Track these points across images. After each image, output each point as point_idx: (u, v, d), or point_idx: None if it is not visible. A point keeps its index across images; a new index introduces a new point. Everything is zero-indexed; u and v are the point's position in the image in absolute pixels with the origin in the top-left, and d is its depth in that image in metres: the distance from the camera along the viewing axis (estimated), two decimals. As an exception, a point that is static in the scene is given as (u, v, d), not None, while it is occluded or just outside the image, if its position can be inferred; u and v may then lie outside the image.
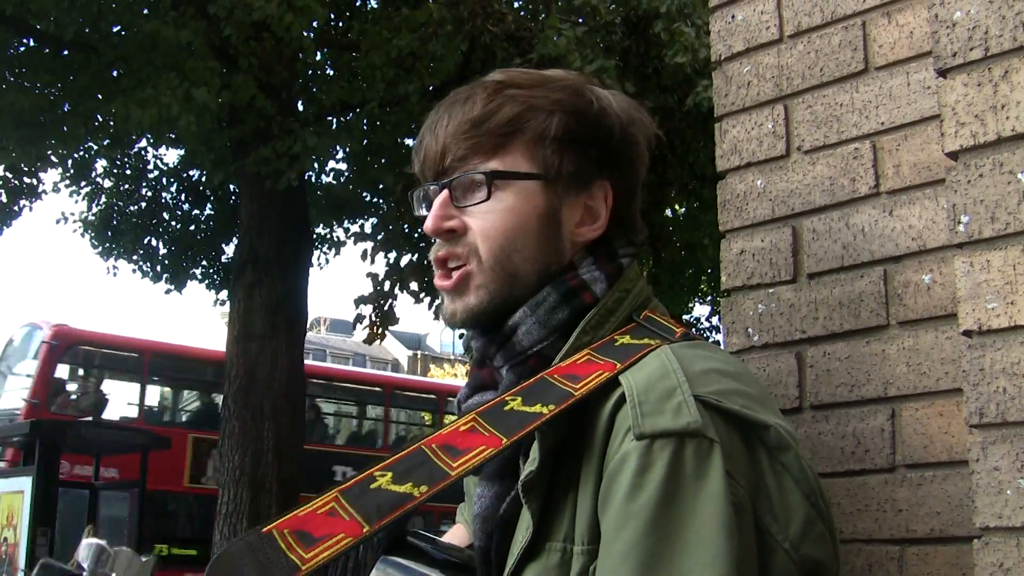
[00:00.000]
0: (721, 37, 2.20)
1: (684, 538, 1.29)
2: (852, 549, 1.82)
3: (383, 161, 14.84)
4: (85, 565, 1.03)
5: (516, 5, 14.28)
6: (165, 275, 17.73)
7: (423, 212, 1.68)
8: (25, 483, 11.04)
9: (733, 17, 2.18)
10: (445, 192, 1.64)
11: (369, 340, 15.63)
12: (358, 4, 14.70)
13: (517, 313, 1.60)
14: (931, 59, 1.75)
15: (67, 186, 16.89)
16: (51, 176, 16.37)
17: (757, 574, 1.34)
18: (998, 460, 1.39)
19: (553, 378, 1.49)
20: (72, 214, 17.73)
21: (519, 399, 1.47)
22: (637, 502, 1.32)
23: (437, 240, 1.66)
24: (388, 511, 1.34)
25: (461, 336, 16.09)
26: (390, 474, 1.39)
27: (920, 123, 1.86)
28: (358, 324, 15.28)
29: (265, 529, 1.33)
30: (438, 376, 57.08)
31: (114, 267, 17.89)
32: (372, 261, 15.16)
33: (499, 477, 1.54)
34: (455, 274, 1.62)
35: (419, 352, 77.36)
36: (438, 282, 1.66)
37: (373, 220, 16.13)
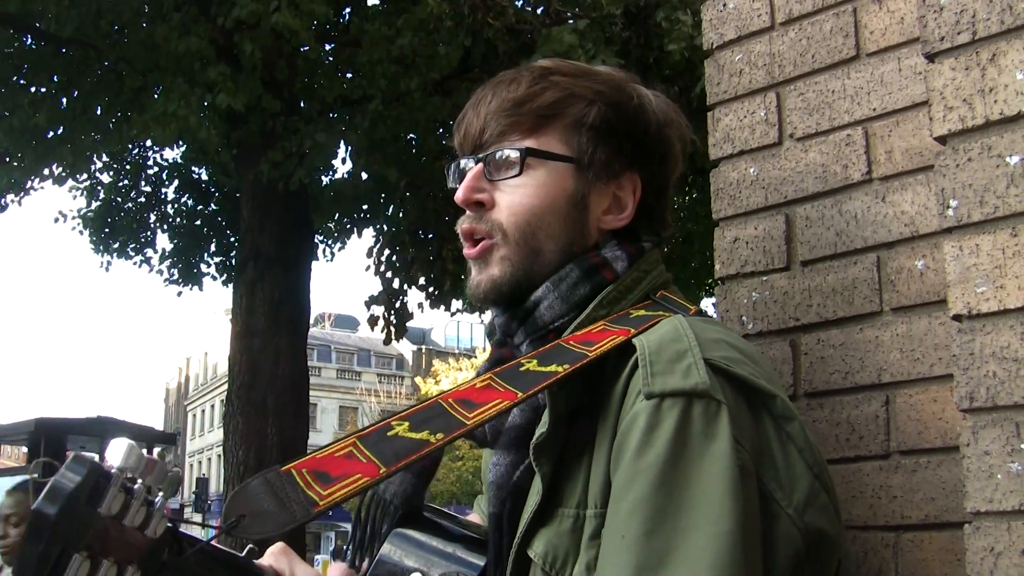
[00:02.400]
0: (713, 25, 2.20)
1: (690, 494, 1.31)
2: (847, 536, 1.82)
3: (386, 157, 14.85)
4: (115, 464, 1.02)
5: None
6: (175, 272, 17.70)
7: (455, 185, 1.72)
8: (30, 481, 11.07)
9: (725, 5, 2.18)
10: (479, 166, 1.68)
11: (387, 341, 15.66)
12: (359, 1, 14.69)
13: (540, 288, 1.63)
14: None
15: (63, 179, 16.86)
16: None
17: (761, 538, 1.35)
18: (988, 444, 1.39)
19: (568, 344, 1.52)
20: (71, 210, 17.73)
21: (535, 361, 1.50)
22: (645, 459, 1.34)
23: (465, 212, 1.70)
24: (405, 455, 1.37)
25: (482, 320, 16.08)
26: (407, 423, 1.42)
27: (911, 109, 1.86)
28: (374, 326, 15.30)
29: (283, 468, 1.35)
30: (443, 371, 57.08)
31: (107, 262, 17.75)
32: (379, 262, 15.16)
33: (515, 446, 1.57)
34: (479, 245, 1.67)
35: (424, 347, 77.46)
36: (465, 251, 1.70)
37: (375, 223, 16.09)
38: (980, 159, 1.44)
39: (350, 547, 1.77)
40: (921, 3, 1.52)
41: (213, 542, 1.39)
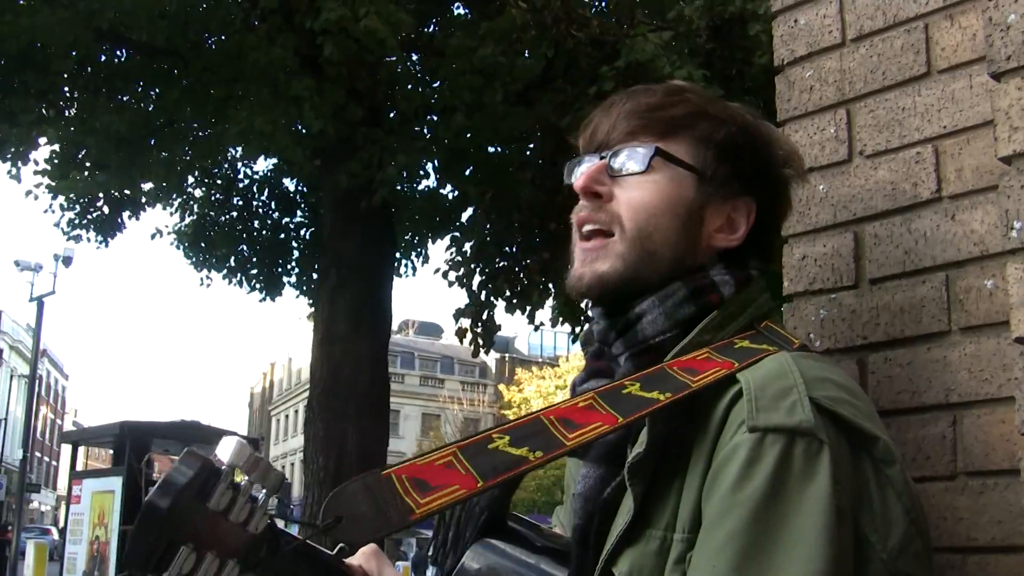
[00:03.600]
0: (784, 42, 2.19)
1: (785, 533, 1.31)
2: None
3: (469, 170, 14.91)
4: (224, 460, 1.04)
5: (599, 8, 14.23)
6: (257, 284, 17.91)
7: (571, 180, 1.74)
8: (116, 483, 11.29)
9: (796, 21, 2.17)
10: (603, 160, 1.69)
11: (475, 353, 15.73)
12: (444, 12, 14.78)
13: (644, 302, 1.63)
14: (992, 62, 1.73)
15: (160, 197, 17.24)
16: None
17: None
18: (1049, 469, 1.37)
19: (672, 370, 1.51)
20: (166, 226, 18.06)
21: (637, 384, 1.50)
22: (743, 492, 1.34)
23: (581, 202, 1.71)
24: (503, 470, 1.38)
25: (574, 335, 16.09)
26: (508, 438, 1.43)
27: (982, 126, 1.84)
28: (463, 339, 15.37)
29: (384, 473, 1.37)
30: (525, 379, 57.08)
31: (207, 278, 18.07)
32: (460, 278, 15.22)
33: (605, 461, 1.58)
34: (595, 239, 1.68)
35: (507, 355, 77.54)
36: (578, 243, 1.71)
37: (458, 234, 16.13)
38: (1045, 180, 1.42)
39: (432, 548, 1.78)
40: (988, 22, 1.51)
41: (308, 541, 1.41)
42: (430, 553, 1.80)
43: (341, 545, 1.46)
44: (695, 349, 1.56)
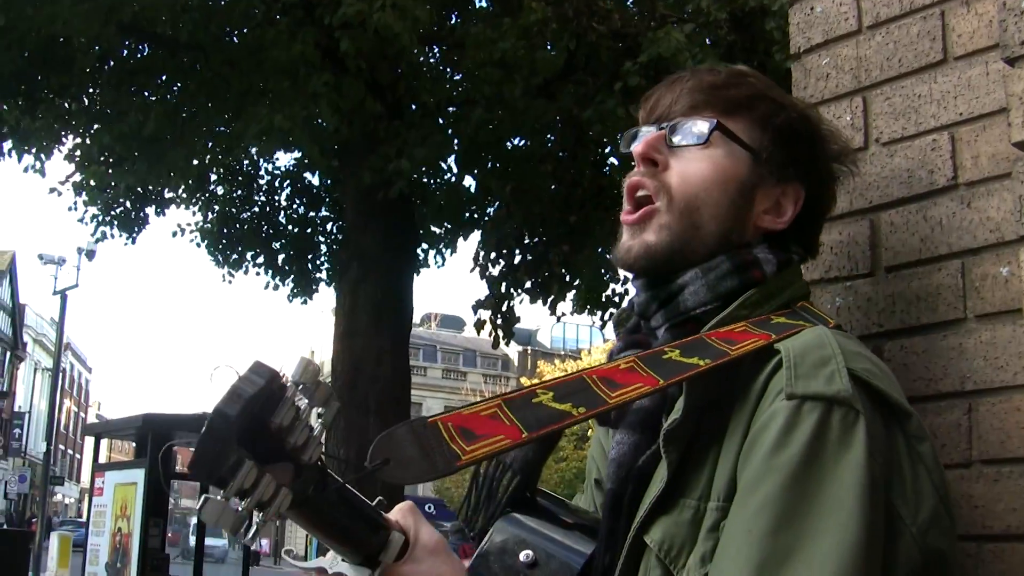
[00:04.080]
0: (800, 29, 2.19)
1: (821, 499, 1.32)
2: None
3: (490, 163, 14.90)
4: (292, 376, 1.05)
5: (620, 0, 14.20)
6: (289, 280, 17.89)
7: (629, 149, 1.77)
8: (138, 475, 11.33)
9: (812, 9, 2.17)
10: (662, 131, 1.73)
11: (495, 344, 15.74)
12: (466, 4, 14.77)
13: (688, 273, 1.65)
14: (1008, 48, 1.72)
15: (183, 198, 17.31)
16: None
17: (883, 553, 1.35)
18: (1062, 454, 1.37)
19: (711, 339, 1.53)
20: (188, 224, 18.12)
21: (677, 351, 1.52)
22: (779, 458, 1.35)
23: (635, 167, 1.74)
24: (548, 423, 1.41)
25: (605, 321, 16.08)
26: (552, 393, 1.45)
27: (999, 113, 1.83)
28: (481, 331, 15.38)
29: (430, 420, 1.39)
30: (548, 372, 57.08)
31: (229, 274, 18.09)
32: (483, 269, 15.21)
33: (640, 428, 1.62)
34: (641, 210, 1.70)
35: (529, 348, 77.56)
36: (623, 216, 1.73)
37: (481, 227, 16.12)
38: (1059, 165, 1.42)
39: (464, 510, 1.81)
40: (1002, 7, 1.50)
41: (351, 487, 1.41)
42: (460, 517, 1.82)
43: (380, 498, 1.48)
44: (732, 323, 1.59)
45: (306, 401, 1.26)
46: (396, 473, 1.32)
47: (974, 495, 1.76)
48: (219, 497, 1.19)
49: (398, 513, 1.55)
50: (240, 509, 1.20)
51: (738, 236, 1.68)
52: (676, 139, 1.71)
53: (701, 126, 1.68)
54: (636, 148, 1.72)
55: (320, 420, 1.29)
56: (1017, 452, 1.71)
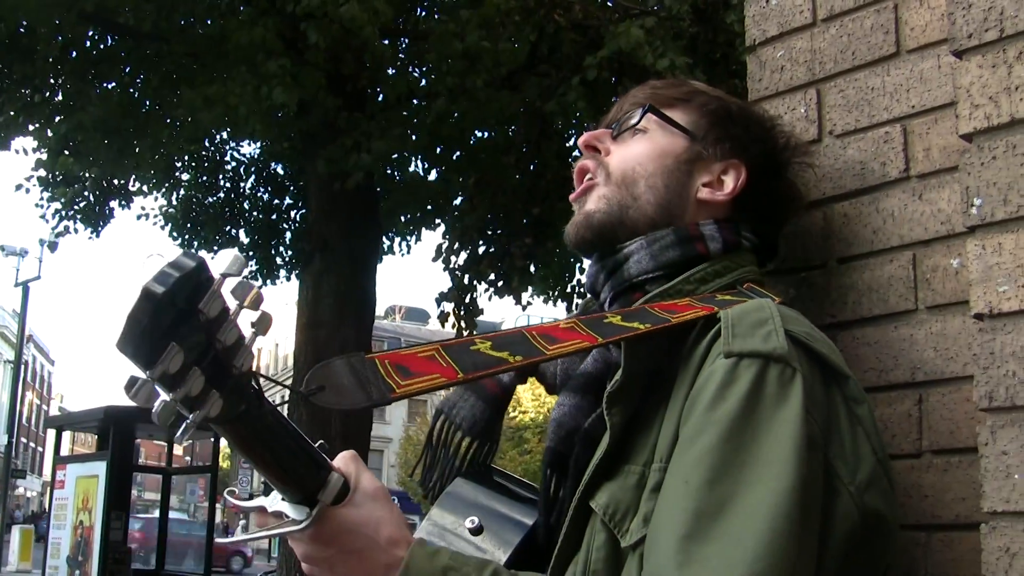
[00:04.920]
0: (756, 22, 2.19)
1: (757, 451, 1.36)
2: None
3: (454, 155, 14.86)
4: (221, 269, 1.03)
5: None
6: (253, 265, 17.80)
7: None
8: (100, 468, 11.26)
9: (767, 2, 2.17)
10: (609, 128, 1.87)
11: (458, 336, 15.73)
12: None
13: (634, 243, 1.72)
14: (958, 41, 1.73)
15: (151, 187, 17.20)
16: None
17: (820, 509, 1.39)
18: (1006, 444, 1.38)
19: (653, 309, 1.58)
20: (152, 209, 17.98)
21: (619, 316, 1.57)
22: (717, 412, 1.39)
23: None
24: (484, 367, 1.46)
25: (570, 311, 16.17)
26: (490, 343, 1.50)
27: (950, 106, 1.84)
28: (444, 323, 15.35)
29: (368, 356, 1.42)
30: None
31: (194, 258, 17.90)
32: (446, 261, 15.18)
33: (582, 391, 1.66)
34: (582, 186, 1.82)
35: (493, 341, 77.40)
36: (571, 197, 1.84)
37: (445, 218, 16.10)
38: (1005, 157, 1.43)
39: (421, 467, 1.87)
40: (951, 0, 1.51)
41: (292, 422, 1.41)
42: (416, 479, 1.87)
43: (321, 441, 1.49)
44: (676, 296, 1.64)
45: (236, 302, 1.25)
46: (331, 399, 1.36)
47: (924, 485, 1.78)
48: (145, 377, 1.18)
49: (340, 460, 1.56)
50: (169, 399, 1.19)
51: (679, 208, 1.76)
52: (619, 131, 1.82)
53: (635, 114, 1.82)
54: (581, 139, 1.85)
55: (253, 328, 1.28)
56: (966, 442, 1.73)
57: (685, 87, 1.87)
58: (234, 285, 1.25)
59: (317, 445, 1.47)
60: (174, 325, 1.17)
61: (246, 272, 1.26)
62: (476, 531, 1.67)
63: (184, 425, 1.24)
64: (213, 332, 1.22)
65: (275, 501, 1.50)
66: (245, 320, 1.28)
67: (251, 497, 1.66)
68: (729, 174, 1.79)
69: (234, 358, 1.25)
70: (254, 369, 1.31)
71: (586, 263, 1.86)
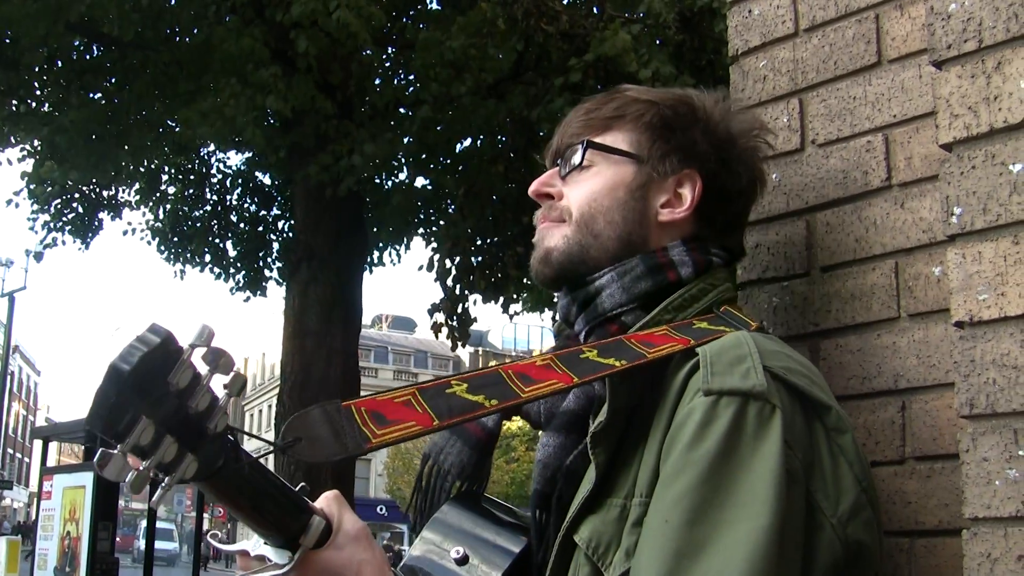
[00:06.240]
0: (738, 32, 2.21)
1: (736, 490, 1.36)
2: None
3: (441, 164, 14.88)
4: (188, 340, 1.04)
5: (570, 2, 14.22)
6: (240, 278, 17.80)
7: None
8: (87, 478, 11.22)
9: (750, 12, 2.19)
10: (556, 168, 1.85)
11: (453, 347, 15.76)
12: (419, 5, 14.75)
13: (604, 276, 1.72)
14: (938, 51, 1.74)
15: (138, 201, 17.22)
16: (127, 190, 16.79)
17: (802, 544, 1.39)
18: (987, 451, 1.39)
19: (630, 342, 1.58)
20: (140, 224, 17.98)
21: (595, 351, 1.57)
22: (697, 452, 1.39)
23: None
24: (459, 413, 1.46)
25: (549, 320, 16.14)
26: (466, 385, 1.50)
27: (931, 115, 1.85)
28: (438, 333, 15.36)
29: (344, 404, 1.43)
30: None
31: (181, 271, 17.95)
32: (438, 272, 15.19)
33: (566, 430, 1.67)
34: (546, 222, 1.81)
35: (481, 348, 77.49)
36: (539, 225, 1.84)
37: (434, 228, 16.10)
38: (984, 167, 1.44)
39: (410, 510, 1.89)
40: (929, 11, 1.53)
41: (271, 469, 1.42)
42: (411, 519, 1.88)
43: (303, 484, 1.50)
44: (655, 326, 1.63)
45: (207, 368, 1.26)
46: (306, 452, 1.36)
47: (907, 491, 1.79)
48: (116, 451, 1.19)
49: (323, 501, 1.57)
50: (142, 468, 1.20)
51: (640, 236, 1.75)
52: (564, 171, 1.81)
53: (577, 151, 1.79)
54: (531, 189, 1.85)
55: (226, 390, 1.29)
56: (948, 449, 1.74)
57: (616, 101, 1.83)
58: (204, 352, 1.26)
59: (298, 488, 1.49)
60: (143, 399, 1.19)
61: (214, 342, 1.27)
62: (461, 561, 1.68)
63: (160, 488, 1.27)
64: (184, 400, 1.24)
65: (258, 545, 1.52)
66: (218, 383, 1.29)
67: (234, 540, 1.67)
68: (685, 186, 1.77)
69: (207, 420, 1.27)
70: (229, 424, 1.31)
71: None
